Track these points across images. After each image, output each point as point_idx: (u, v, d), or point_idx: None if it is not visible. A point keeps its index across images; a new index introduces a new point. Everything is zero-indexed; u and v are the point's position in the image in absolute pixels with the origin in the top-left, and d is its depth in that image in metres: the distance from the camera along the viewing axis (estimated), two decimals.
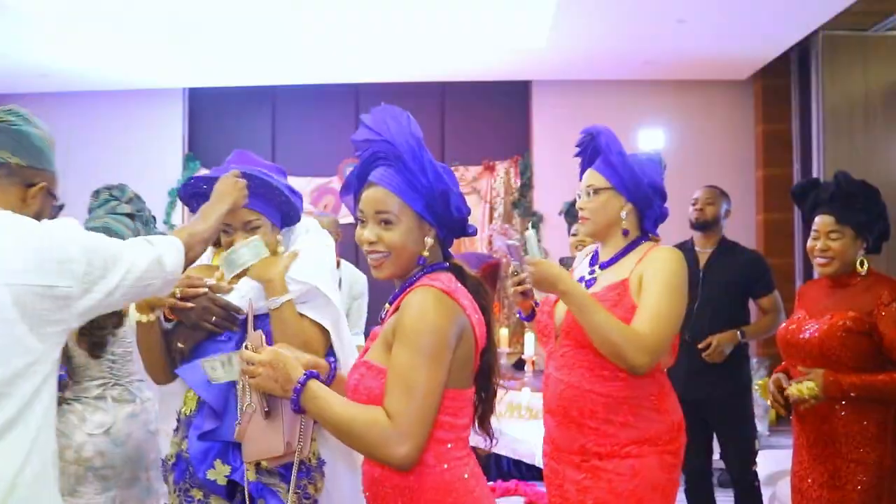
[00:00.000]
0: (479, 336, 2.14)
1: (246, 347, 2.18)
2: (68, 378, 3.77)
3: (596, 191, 2.97)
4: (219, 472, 2.62)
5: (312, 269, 2.72)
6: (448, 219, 2.17)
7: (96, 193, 3.86)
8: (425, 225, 2.16)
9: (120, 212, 3.77)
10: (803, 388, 3.26)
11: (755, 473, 4.70)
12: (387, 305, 2.24)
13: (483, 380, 2.23)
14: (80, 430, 3.65)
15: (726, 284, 4.75)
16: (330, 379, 2.30)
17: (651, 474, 2.79)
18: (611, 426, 2.81)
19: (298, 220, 2.84)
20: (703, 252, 4.86)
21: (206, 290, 2.63)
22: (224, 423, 2.58)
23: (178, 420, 2.77)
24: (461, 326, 2.07)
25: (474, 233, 2.29)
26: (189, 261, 2.43)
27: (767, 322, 4.76)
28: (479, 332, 2.14)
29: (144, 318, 2.66)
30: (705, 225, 4.89)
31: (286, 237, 2.86)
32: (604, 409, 2.81)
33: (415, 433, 1.97)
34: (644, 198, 2.93)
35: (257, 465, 2.54)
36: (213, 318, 2.62)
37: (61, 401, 3.71)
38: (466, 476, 2.11)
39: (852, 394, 3.20)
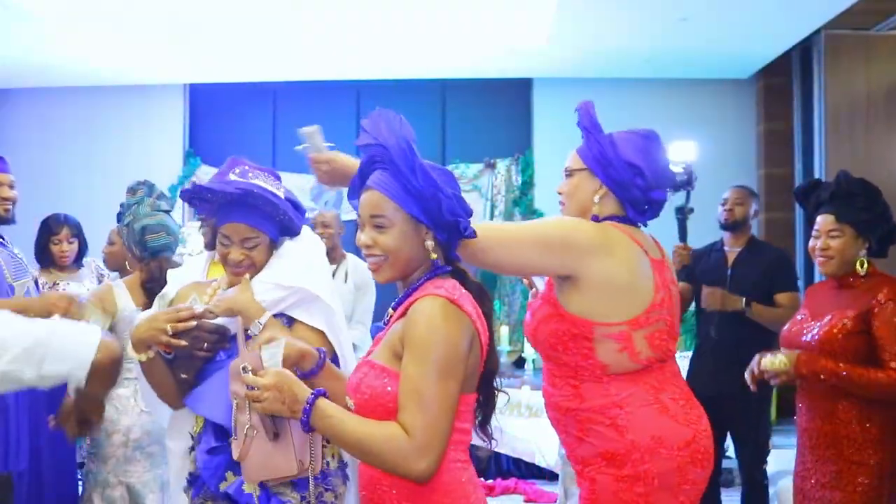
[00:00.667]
0: (484, 342, 2.14)
1: (244, 370, 2.15)
2: None
3: (570, 172, 2.74)
4: (231, 484, 2.60)
5: (298, 272, 2.69)
6: (442, 221, 2.15)
7: (132, 190, 4.00)
8: (422, 228, 2.14)
9: (161, 208, 3.89)
10: (776, 360, 3.29)
11: (765, 472, 4.70)
12: (390, 310, 2.23)
13: (485, 384, 2.22)
14: (126, 414, 3.87)
15: (753, 283, 4.74)
16: (319, 367, 2.31)
17: (608, 500, 2.52)
18: (571, 439, 2.63)
19: (298, 232, 2.80)
20: (732, 251, 4.87)
21: (194, 323, 2.58)
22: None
23: (193, 438, 2.76)
24: (470, 335, 2.07)
25: (472, 235, 2.23)
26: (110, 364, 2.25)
27: (779, 314, 4.62)
28: (483, 338, 2.13)
29: (144, 357, 2.63)
30: (735, 225, 4.90)
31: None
32: (563, 418, 2.64)
33: (433, 447, 1.96)
34: (617, 178, 2.64)
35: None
36: (205, 344, 2.60)
37: None
38: (464, 480, 2.10)
39: (822, 377, 3.21)
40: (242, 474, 2.36)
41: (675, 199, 4.72)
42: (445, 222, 2.14)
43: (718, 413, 4.64)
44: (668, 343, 2.64)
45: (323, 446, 2.53)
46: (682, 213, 4.82)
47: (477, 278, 2.28)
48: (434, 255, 2.15)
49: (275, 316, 2.65)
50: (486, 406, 2.24)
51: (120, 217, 4.37)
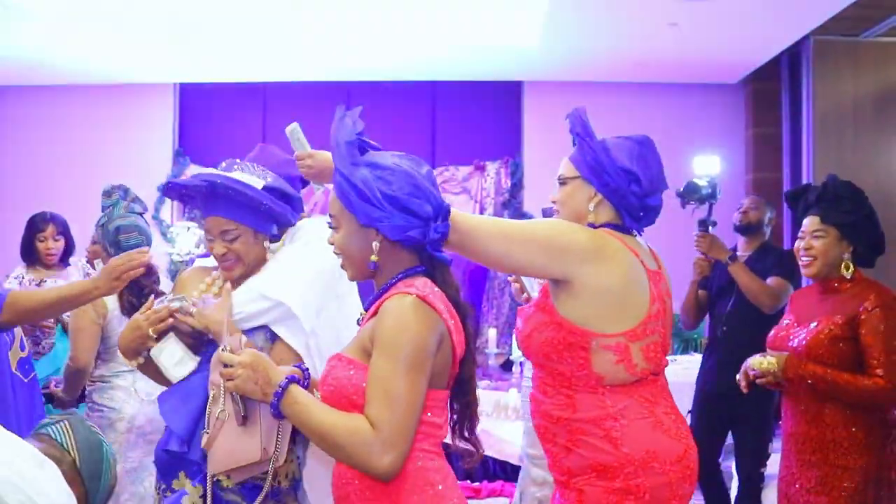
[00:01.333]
0: (456, 342, 2.11)
1: (223, 349, 2.14)
2: (98, 359, 4.15)
3: (564, 181, 2.69)
4: (182, 484, 2.62)
5: (285, 283, 2.65)
6: (374, 223, 2.08)
7: (108, 193, 4.13)
8: (370, 229, 2.10)
9: (135, 211, 4.11)
10: (765, 360, 3.30)
11: (762, 475, 4.74)
12: (362, 310, 2.22)
13: (461, 389, 2.20)
14: (128, 402, 4.06)
15: None
16: (304, 387, 2.25)
17: None
18: (559, 449, 2.57)
19: (289, 223, 2.78)
20: (744, 255, 4.99)
21: (171, 321, 2.59)
22: (189, 445, 2.57)
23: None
24: (440, 333, 2.06)
25: (437, 237, 2.13)
26: None
27: (756, 282, 4.72)
28: (456, 337, 2.11)
29: (135, 363, 2.66)
30: (748, 228, 5.04)
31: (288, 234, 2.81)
32: (553, 427, 2.58)
33: (398, 443, 1.96)
34: (612, 185, 2.59)
35: (216, 485, 2.50)
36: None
37: (98, 379, 4.13)
38: (430, 468, 2.08)
39: (809, 381, 3.23)
40: (208, 464, 2.35)
41: (693, 211, 4.91)
42: (373, 223, 2.08)
43: (723, 411, 4.74)
44: (661, 356, 2.61)
45: (290, 461, 2.55)
46: (705, 226, 4.90)
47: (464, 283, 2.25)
48: (375, 258, 2.11)
49: (256, 329, 2.63)
50: (465, 411, 2.22)
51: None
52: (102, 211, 4.12)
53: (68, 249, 5.44)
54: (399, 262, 2.14)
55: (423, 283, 2.09)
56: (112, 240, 4.00)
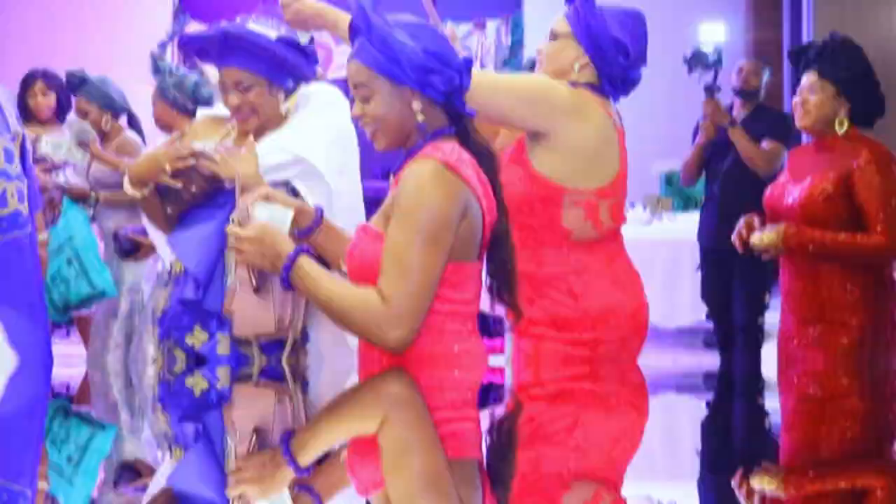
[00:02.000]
0: (486, 208, 2.03)
1: (232, 221, 2.14)
2: None
3: (555, 36, 2.69)
4: (196, 338, 2.57)
5: (304, 140, 2.60)
6: (418, 79, 2.01)
7: (161, 56, 4.70)
8: (406, 90, 2.02)
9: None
10: (764, 236, 3.33)
11: (761, 327, 4.91)
12: (392, 176, 2.13)
13: (494, 246, 2.10)
14: None
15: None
16: (316, 223, 2.24)
17: (552, 361, 2.59)
18: (521, 302, 2.51)
19: (307, 77, 2.70)
20: (739, 115, 5.10)
21: (194, 161, 2.52)
22: (209, 291, 2.52)
23: (169, 273, 2.71)
24: (464, 201, 1.97)
25: (465, 87, 2.08)
26: None
27: (752, 146, 4.86)
28: (485, 203, 2.03)
29: (138, 194, 2.57)
30: (748, 94, 5.16)
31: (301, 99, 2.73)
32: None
33: (409, 317, 1.92)
34: (601, 52, 2.61)
35: (236, 340, 2.48)
36: (194, 187, 2.55)
37: None
38: (456, 349, 2.07)
39: (811, 248, 3.26)
40: (233, 328, 2.36)
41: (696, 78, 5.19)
42: (422, 80, 2.01)
43: (724, 267, 4.88)
44: (622, 214, 2.72)
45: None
46: (711, 91, 5.03)
47: None
48: (420, 118, 2.02)
49: (277, 186, 2.53)
50: (500, 271, 2.12)
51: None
52: (158, 73, 4.45)
53: (62, 105, 5.39)
54: (430, 124, 2.06)
55: (450, 148, 2.00)
56: (191, 94, 4.34)
